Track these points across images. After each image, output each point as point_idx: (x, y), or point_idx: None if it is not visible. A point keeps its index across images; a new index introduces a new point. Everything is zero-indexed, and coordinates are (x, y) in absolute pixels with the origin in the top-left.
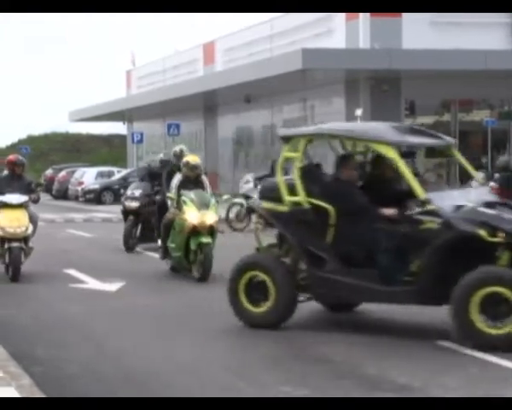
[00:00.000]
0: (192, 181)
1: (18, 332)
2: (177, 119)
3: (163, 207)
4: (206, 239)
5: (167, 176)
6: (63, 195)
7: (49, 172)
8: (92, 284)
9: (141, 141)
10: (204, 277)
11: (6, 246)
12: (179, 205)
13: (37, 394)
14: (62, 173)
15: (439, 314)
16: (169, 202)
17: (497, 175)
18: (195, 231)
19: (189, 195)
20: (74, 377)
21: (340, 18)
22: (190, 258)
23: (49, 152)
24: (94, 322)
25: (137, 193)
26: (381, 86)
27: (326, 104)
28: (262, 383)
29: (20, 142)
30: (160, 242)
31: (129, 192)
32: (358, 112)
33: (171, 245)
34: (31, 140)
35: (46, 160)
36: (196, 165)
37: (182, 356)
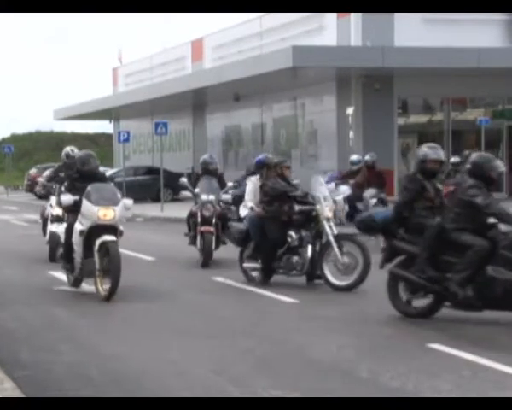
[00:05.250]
0: None
1: (2, 336)
2: (164, 117)
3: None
4: None
5: None
6: (47, 195)
7: (33, 171)
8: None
9: (127, 140)
10: None
11: None
12: None
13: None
14: (46, 173)
15: (431, 317)
16: None
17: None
18: None
19: None
20: (61, 381)
21: (331, 15)
22: None
23: (34, 151)
24: (80, 325)
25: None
26: (372, 84)
27: (317, 103)
28: (252, 386)
29: (4, 140)
30: None
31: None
32: (350, 110)
33: None
34: (15, 139)
35: (30, 159)
36: None
37: (170, 359)
